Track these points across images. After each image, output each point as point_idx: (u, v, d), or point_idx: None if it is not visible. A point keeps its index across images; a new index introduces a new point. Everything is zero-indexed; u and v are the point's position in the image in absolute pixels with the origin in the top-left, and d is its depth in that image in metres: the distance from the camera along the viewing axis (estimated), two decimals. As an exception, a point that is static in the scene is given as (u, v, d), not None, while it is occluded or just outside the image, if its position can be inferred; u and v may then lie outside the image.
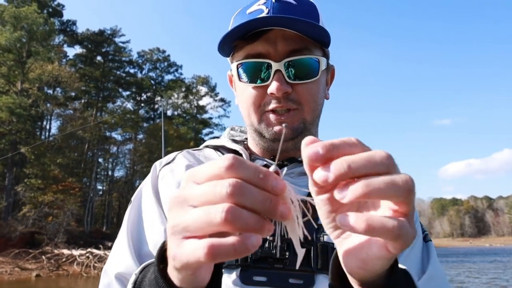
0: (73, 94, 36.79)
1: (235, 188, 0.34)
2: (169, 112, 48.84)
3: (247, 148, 0.87)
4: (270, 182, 0.36)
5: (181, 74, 49.42)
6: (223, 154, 0.86)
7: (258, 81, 0.75)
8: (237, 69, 0.78)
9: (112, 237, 27.62)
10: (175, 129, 42.04)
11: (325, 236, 0.69)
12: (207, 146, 0.93)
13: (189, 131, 45.71)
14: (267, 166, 0.71)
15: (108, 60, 40.92)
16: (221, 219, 0.34)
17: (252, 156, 0.85)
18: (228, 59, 0.85)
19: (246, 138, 0.91)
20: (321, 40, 0.76)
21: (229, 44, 0.77)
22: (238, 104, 0.86)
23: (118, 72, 42.45)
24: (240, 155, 0.82)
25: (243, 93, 0.80)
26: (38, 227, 23.80)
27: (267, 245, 0.67)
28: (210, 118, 49.64)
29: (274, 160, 0.81)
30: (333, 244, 0.66)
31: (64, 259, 20.64)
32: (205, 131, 49.88)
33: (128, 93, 44.40)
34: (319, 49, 0.78)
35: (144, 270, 0.54)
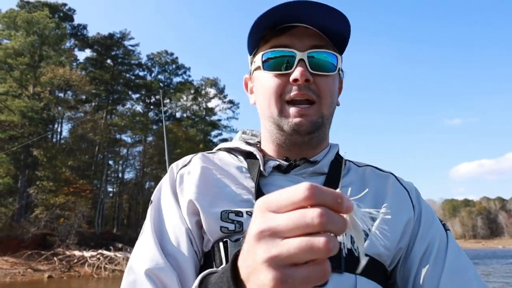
0: (83, 97, 37.21)
1: (324, 218, 0.37)
2: (178, 114, 49.13)
3: (260, 150, 0.89)
4: (345, 205, 0.39)
5: (189, 76, 49.70)
6: (237, 156, 0.90)
7: (283, 69, 0.79)
8: (262, 58, 0.82)
9: (123, 238, 27.91)
10: (184, 131, 42.26)
11: (337, 237, 0.64)
12: (220, 149, 0.96)
13: (198, 133, 45.91)
14: (280, 166, 0.82)
15: (117, 63, 41.32)
16: (324, 248, 0.37)
17: (265, 157, 0.86)
18: (249, 58, 0.89)
19: (259, 141, 0.94)
20: (339, 43, 0.82)
21: (259, 34, 0.81)
22: (256, 100, 0.89)
23: (127, 75, 42.83)
24: (254, 156, 0.86)
25: (266, 83, 0.82)
26: (50, 228, 24.09)
27: None
28: (219, 120, 49.82)
29: (287, 161, 0.84)
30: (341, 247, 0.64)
31: (75, 261, 20.87)
32: (214, 133, 50.06)
33: (137, 95, 44.79)
34: (337, 52, 0.83)
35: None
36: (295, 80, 0.77)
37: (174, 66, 48.82)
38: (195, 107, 47.92)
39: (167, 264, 0.73)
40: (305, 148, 0.84)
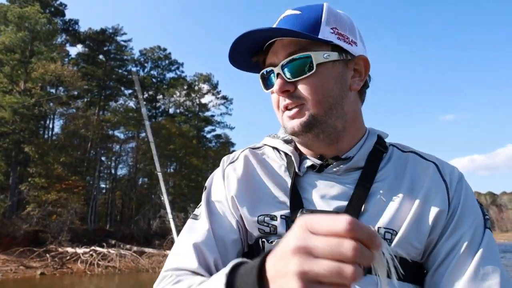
0: (75, 93, 36.91)
1: (357, 252, 0.43)
2: (171, 110, 48.94)
3: (296, 148, 0.92)
4: (376, 243, 0.45)
5: (182, 72, 49.48)
6: (279, 153, 0.93)
7: (271, 86, 0.85)
8: (260, 80, 0.89)
9: (116, 235, 27.85)
10: (177, 127, 42.12)
11: None
12: (265, 144, 0.99)
13: (191, 129, 45.79)
14: (313, 166, 0.85)
15: (110, 58, 40.98)
16: (351, 277, 0.42)
17: (301, 156, 0.90)
18: None
19: None
20: (308, 38, 0.81)
21: (248, 60, 0.88)
22: None
23: (120, 71, 42.52)
24: (291, 157, 0.89)
25: (271, 98, 0.89)
26: (42, 225, 23.95)
27: None
28: (212, 116, 49.69)
29: (321, 159, 0.86)
30: None
31: (68, 257, 20.80)
32: (207, 128, 49.98)
33: (130, 91, 44.51)
34: (322, 46, 0.81)
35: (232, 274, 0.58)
36: (277, 93, 0.83)
37: (167, 61, 48.55)
38: (188, 103, 47.75)
39: (213, 244, 0.83)
40: (327, 144, 0.86)
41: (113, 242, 24.58)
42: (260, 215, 0.84)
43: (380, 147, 0.88)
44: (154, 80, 47.66)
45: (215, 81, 48.88)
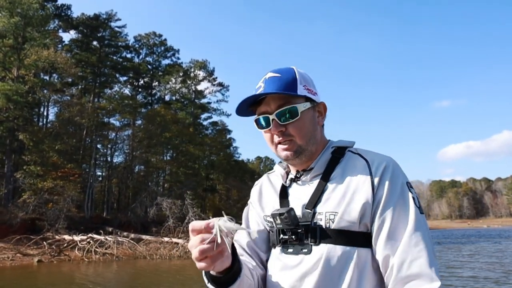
0: (69, 80, 36.48)
1: (192, 242, 0.92)
2: (167, 97, 48.58)
3: (287, 166, 1.29)
4: (206, 226, 0.91)
5: (178, 58, 49.00)
6: (281, 174, 1.31)
7: (266, 127, 1.18)
8: (255, 123, 1.21)
9: (113, 222, 27.88)
10: (173, 114, 41.86)
11: (318, 221, 1.10)
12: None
13: (188, 116, 45.53)
14: (292, 179, 1.24)
15: (104, 45, 40.43)
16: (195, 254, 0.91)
17: (288, 173, 1.28)
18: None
19: None
20: (293, 95, 1.15)
21: (247, 110, 1.22)
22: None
23: (114, 57, 41.98)
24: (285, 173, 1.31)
25: (264, 136, 1.22)
26: (39, 213, 23.92)
27: (287, 233, 1.13)
28: (209, 103, 49.45)
29: (297, 173, 1.23)
30: (321, 225, 1.09)
31: (65, 245, 20.83)
32: (203, 116, 49.74)
33: (125, 78, 44.05)
34: (300, 99, 1.17)
35: None
36: (273, 133, 1.16)
37: (162, 48, 48.03)
38: (184, 90, 47.38)
39: (245, 235, 1.26)
40: (303, 163, 1.20)
41: (110, 229, 24.63)
42: (265, 215, 1.26)
43: (337, 155, 1.20)
44: (149, 66, 47.18)
45: (211, 67, 48.51)
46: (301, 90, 1.17)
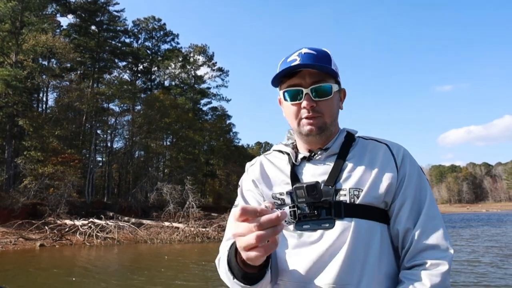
0: (68, 65, 36.23)
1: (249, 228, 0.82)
2: (166, 83, 48.34)
3: (295, 146, 1.31)
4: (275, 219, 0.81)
5: (177, 43, 48.61)
6: (283, 153, 1.32)
7: (296, 100, 1.19)
8: (283, 94, 1.22)
9: (114, 207, 28.06)
10: (173, 99, 41.70)
11: (341, 197, 1.11)
12: (274, 150, 1.37)
13: (187, 102, 45.38)
14: (304, 157, 1.23)
15: (102, 29, 40.01)
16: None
17: (297, 152, 1.27)
18: (277, 88, 1.28)
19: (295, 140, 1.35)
20: (331, 75, 1.19)
21: (278, 80, 1.22)
22: (285, 116, 1.28)
23: (113, 42, 41.60)
24: (289, 154, 1.29)
25: (288, 109, 1.22)
26: (40, 198, 24.08)
27: (305, 209, 1.11)
28: (208, 88, 49.24)
29: (310, 152, 1.24)
30: (345, 201, 1.11)
31: (67, 229, 21.03)
32: (203, 101, 49.59)
33: (124, 63, 43.74)
34: (332, 79, 1.20)
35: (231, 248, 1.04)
36: (304, 107, 1.17)
37: (161, 32, 47.57)
38: (183, 75, 47.11)
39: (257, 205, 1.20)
40: (320, 142, 1.22)
41: (111, 214, 24.83)
42: (273, 193, 1.23)
43: (349, 139, 1.26)
44: (148, 51, 46.82)
45: (210, 52, 48.13)
46: (334, 71, 1.20)
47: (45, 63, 33.29)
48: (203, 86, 48.75)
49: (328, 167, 1.19)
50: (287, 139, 1.39)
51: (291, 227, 1.13)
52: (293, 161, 1.25)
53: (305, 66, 1.16)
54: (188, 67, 46.66)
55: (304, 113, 1.18)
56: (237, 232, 0.82)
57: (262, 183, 1.27)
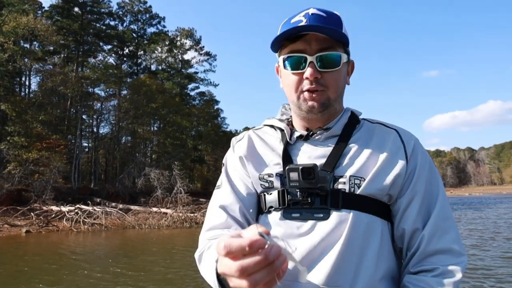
0: (51, 48, 35.30)
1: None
2: (153, 67, 47.61)
3: (290, 123, 1.16)
4: (256, 245, 0.59)
5: (164, 26, 47.66)
6: (275, 129, 1.17)
7: (298, 69, 1.03)
8: (283, 61, 1.06)
9: (101, 193, 27.85)
10: (160, 84, 41.16)
11: (339, 185, 0.98)
12: (265, 125, 1.23)
13: (174, 86, 44.84)
14: (302, 135, 1.09)
15: (86, 11, 38.95)
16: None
17: (292, 129, 1.13)
18: (276, 54, 1.11)
19: (291, 115, 1.19)
20: (342, 42, 1.03)
21: (279, 44, 1.06)
22: (283, 87, 1.12)
23: (97, 25, 40.59)
24: (283, 130, 1.14)
25: (287, 79, 1.07)
26: (25, 184, 23.72)
27: (297, 195, 0.99)
28: (196, 73, 48.66)
29: (308, 131, 1.10)
30: (343, 190, 0.97)
31: (53, 216, 20.80)
32: (190, 86, 49.06)
33: (109, 47, 42.82)
34: (341, 48, 1.04)
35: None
36: (307, 78, 1.01)
37: (147, 15, 46.57)
38: (170, 59, 46.41)
39: (235, 199, 1.07)
40: (320, 120, 1.08)
41: (98, 200, 24.64)
42: (261, 174, 1.08)
43: (353, 120, 1.12)
44: (134, 35, 45.89)
45: (198, 36, 47.43)
46: (344, 36, 1.03)
47: (27, 45, 32.36)
48: (191, 70, 48.17)
49: (327, 149, 1.05)
50: (281, 115, 1.23)
51: (278, 214, 1.00)
52: (287, 139, 1.10)
53: (313, 28, 0.99)
54: (175, 51, 45.95)
55: (306, 85, 1.03)
56: (223, 270, 0.63)
57: (249, 161, 1.12)
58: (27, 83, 35.45)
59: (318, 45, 1.01)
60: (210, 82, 48.91)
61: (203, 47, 47.89)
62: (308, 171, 0.95)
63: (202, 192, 35.10)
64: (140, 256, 11.82)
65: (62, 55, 38.17)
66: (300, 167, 0.96)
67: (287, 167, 0.99)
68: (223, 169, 1.20)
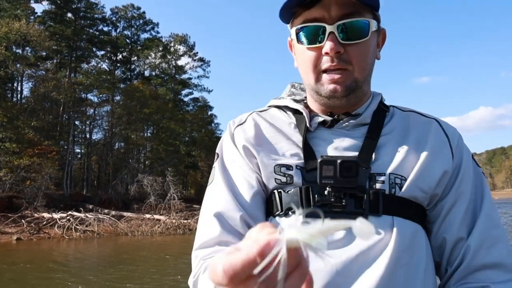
0: (44, 53, 35.10)
1: None
2: (146, 73, 47.53)
3: (306, 106, 0.95)
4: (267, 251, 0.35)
5: (157, 32, 47.65)
6: (286, 113, 0.97)
7: (314, 42, 0.83)
8: (296, 34, 0.86)
9: (93, 200, 27.57)
10: (153, 89, 41.06)
11: (377, 184, 0.80)
12: (271, 106, 1.01)
13: (168, 92, 44.76)
14: (325, 122, 0.90)
15: (79, 17, 38.83)
16: None
17: (311, 113, 0.93)
18: (288, 26, 0.92)
19: (306, 96, 0.99)
20: (372, 4, 0.83)
21: (289, 11, 0.85)
22: (297, 66, 0.93)
23: (91, 30, 40.48)
24: (301, 113, 0.92)
25: (302, 55, 0.88)
26: (16, 191, 23.43)
27: (326, 194, 0.78)
28: (189, 79, 48.62)
29: (331, 116, 0.90)
30: (384, 190, 0.80)
31: (44, 222, 20.54)
32: (184, 91, 49.00)
33: (102, 52, 42.69)
34: (369, 13, 0.84)
35: None
36: (326, 53, 0.81)
37: (141, 21, 46.55)
38: (164, 65, 46.36)
39: (235, 205, 0.84)
40: (346, 106, 0.89)
41: (90, 207, 24.39)
42: (277, 165, 0.86)
43: (383, 107, 0.94)
44: (127, 40, 45.81)
45: (191, 42, 47.47)
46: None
47: (19, 51, 32.15)
48: (184, 76, 48.14)
49: (357, 141, 0.87)
50: (287, 96, 1.01)
51: (300, 218, 0.68)
52: (307, 124, 0.90)
53: None
54: (169, 57, 45.92)
55: (325, 62, 0.83)
56: None
57: (261, 149, 0.89)
58: (19, 88, 35.16)
59: (339, 10, 0.81)
60: (204, 88, 48.91)
61: (197, 53, 47.98)
62: (349, 166, 0.76)
63: (196, 199, 34.91)
64: (133, 264, 11.68)
65: (55, 61, 37.97)
66: (339, 160, 0.77)
67: (321, 159, 0.78)
68: (217, 162, 0.96)
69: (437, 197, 0.85)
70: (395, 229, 0.77)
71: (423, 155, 0.84)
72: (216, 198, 0.89)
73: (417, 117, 0.94)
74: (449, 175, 0.85)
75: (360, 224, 0.37)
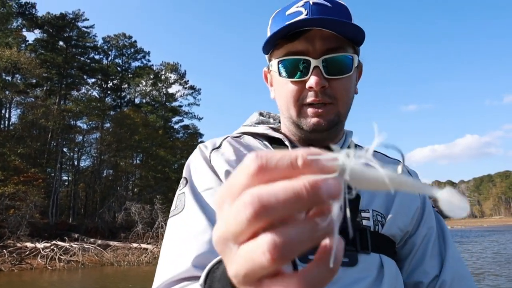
0: (34, 81, 35.09)
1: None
2: (137, 100, 47.68)
3: (286, 136, 0.91)
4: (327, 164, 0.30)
5: (149, 60, 48.19)
6: (262, 141, 0.91)
7: (298, 76, 0.81)
8: (278, 65, 0.83)
9: (79, 228, 26.95)
10: (143, 117, 41.07)
11: (363, 221, 0.79)
12: (244, 133, 0.96)
13: (158, 119, 44.81)
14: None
15: (71, 45, 39.18)
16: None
17: (292, 143, 0.89)
18: (266, 56, 0.90)
19: (279, 126, 0.96)
20: (355, 39, 0.83)
21: (272, 43, 0.83)
22: (275, 98, 0.90)
23: (82, 58, 40.76)
24: (281, 142, 0.89)
25: (282, 88, 0.85)
26: (-1, 220, 22.80)
27: None
28: (180, 106, 48.84)
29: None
30: (369, 227, 0.79)
31: (27, 253, 19.92)
32: (174, 119, 49.10)
33: (93, 80, 42.86)
34: (351, 48, 0.84)
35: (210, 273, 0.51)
36: (311, 87, 0.80)
37: (132, 50, 47.09)
38: (155, 93, 46.63)
39: (209, 231, 0.74)
40: (325, 140, 0.87)
41: (76, 236, 23.80)
42: None
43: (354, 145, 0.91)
44: (118, 68, 46.15)
45: (182, 70, 48.01)
46: (359, 31, 0.81)
47: (9, 78, 32.11)
48: (175, 104, 48.35)
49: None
50: (253, 124, 0.97)
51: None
52: None
53: (318, 22, 0.77)
54: (160, 84, 46.27)
55: (309, 96, 0.81)
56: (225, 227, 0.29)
57: None
58: (7, 115, 34.87)
59: (324, 44, 0.79)
60: (194, 115, 49.11)
61: (188, 81, 48.44)
62: (354, 205, 0.75)
63: (185, 227, 34.37)
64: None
65: (45, 88, 37.94)
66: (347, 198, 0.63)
67: None
68: (186, 188, 0.86)
69: (408, 234, 0.87)
70: (385, 269, 0.77)
71: (399, 194, 0.85)
72: (190, 227, 0.77)
73: (383, 158, 0.96)
74: (419, 211, 0.88)
75: (449, 194, 0.28)
